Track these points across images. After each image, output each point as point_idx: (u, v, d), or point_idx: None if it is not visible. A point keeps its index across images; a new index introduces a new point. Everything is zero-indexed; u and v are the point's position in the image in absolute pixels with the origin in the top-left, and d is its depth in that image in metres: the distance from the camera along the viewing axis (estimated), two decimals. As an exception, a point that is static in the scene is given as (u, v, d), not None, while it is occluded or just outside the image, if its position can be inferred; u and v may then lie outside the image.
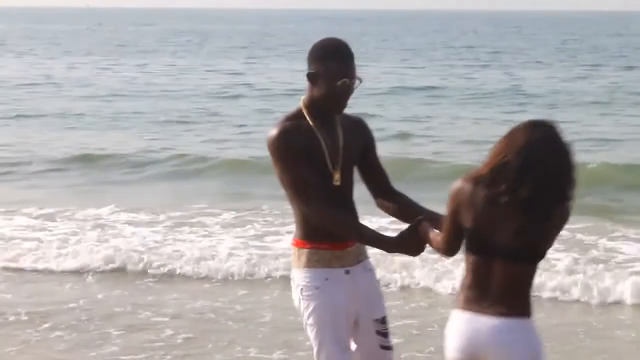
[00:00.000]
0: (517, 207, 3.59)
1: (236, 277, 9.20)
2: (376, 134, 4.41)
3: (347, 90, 4.12)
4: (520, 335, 3.70)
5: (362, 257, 4.27)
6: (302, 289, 4.16)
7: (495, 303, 3.68)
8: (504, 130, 3.68)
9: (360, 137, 4.27)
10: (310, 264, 4.15)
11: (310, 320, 4.14)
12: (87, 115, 22.99)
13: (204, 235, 10.77)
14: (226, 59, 45.24)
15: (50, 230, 11.01)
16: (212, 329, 7.67)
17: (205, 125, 21.62)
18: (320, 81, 4.10)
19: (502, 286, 3.68)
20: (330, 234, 4.11)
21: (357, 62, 4.18)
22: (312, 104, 4.15)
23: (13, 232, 10.86)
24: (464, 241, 3.74)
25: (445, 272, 8.84)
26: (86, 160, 16.37)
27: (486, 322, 3.68)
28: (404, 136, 19.52)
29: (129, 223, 11.41)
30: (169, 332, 7.56)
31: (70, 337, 7.44)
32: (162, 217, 11.69)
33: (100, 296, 8.61)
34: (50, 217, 11.68)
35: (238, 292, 8.77)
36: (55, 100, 26.53)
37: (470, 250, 3.72)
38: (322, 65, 4.09)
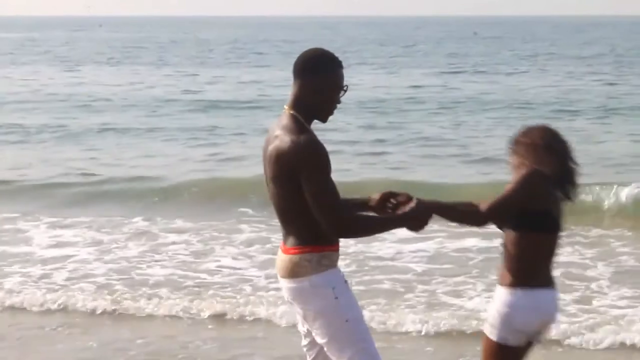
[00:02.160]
0: (568, 187, 4.38)
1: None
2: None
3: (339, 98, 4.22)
4: None
5: None
6: (334, 287, 4.20)
7: (551, 275, 4.37)
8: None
9: None
10: (332, 264, 4.25)
11: (352, 314, 4.22)
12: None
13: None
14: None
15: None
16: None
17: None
18: (323, 89, 4.15)
19: (553, 258, 4.38)
20: (333, 237, 4.22)
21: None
22: (305, 113, 4.17)
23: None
24: (530, 222, 4.29)
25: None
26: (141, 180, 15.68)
27: (552, 293, 4.36)
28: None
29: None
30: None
31: None
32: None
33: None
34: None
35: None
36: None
37: (540, 229, 4.29)
38: (327, 73, 4.15)
